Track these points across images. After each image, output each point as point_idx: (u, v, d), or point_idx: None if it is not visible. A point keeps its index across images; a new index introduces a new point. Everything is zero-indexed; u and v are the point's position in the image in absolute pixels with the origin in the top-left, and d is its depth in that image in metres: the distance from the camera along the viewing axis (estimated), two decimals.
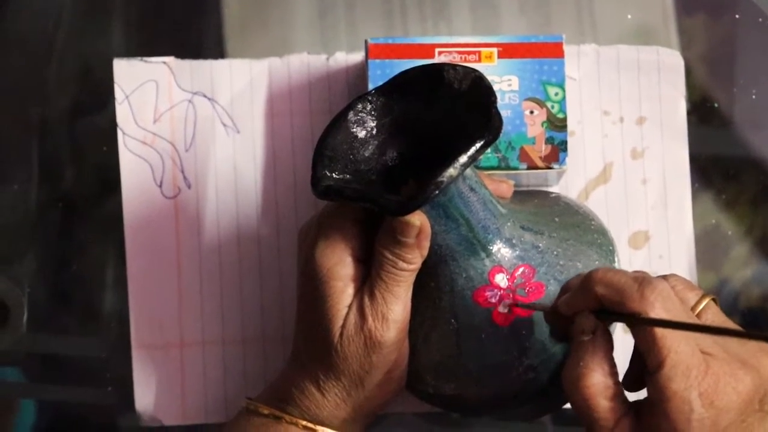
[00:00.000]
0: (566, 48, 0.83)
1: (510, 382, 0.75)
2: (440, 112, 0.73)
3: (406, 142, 0.74)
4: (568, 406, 0.78)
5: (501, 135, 0.81)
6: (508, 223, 0.75)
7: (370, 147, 0.74)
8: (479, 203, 0.73)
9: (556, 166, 0.82)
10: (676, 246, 0.89)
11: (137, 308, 0.88)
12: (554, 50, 0.83)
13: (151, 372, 0.88)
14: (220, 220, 0.89)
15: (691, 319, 0.68)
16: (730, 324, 0.70)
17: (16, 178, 0.90)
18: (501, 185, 0.79)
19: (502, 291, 0.74)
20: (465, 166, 0.68)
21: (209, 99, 0.89)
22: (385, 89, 0.75)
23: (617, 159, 0.90)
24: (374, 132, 0.74)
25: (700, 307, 0.70)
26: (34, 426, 0.91)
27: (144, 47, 0.91)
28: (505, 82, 0.83)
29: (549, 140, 0.82)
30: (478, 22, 0.94)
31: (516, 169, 0.82)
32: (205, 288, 0.88)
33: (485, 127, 0.69)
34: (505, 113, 0.82)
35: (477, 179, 0.73)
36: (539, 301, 0.74)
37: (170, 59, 0.89)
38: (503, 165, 0.82)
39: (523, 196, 0.81)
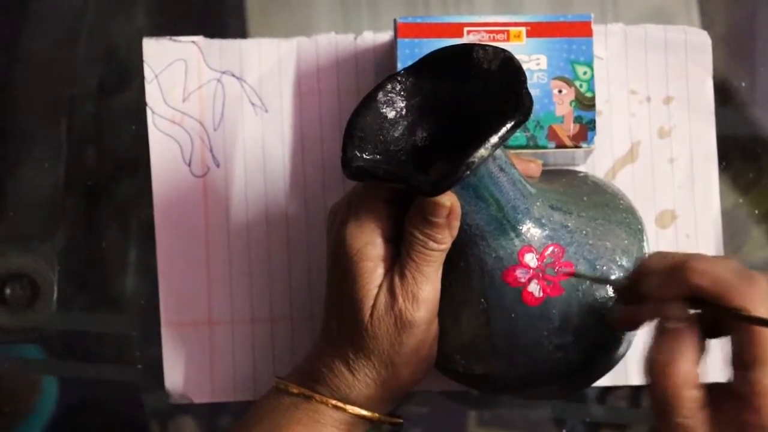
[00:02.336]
0: (594, 27, 0.83)
1: (540, 362, 0.75)
2: (470, 93, 0.73)
3: (436, 122, 0.74)
4: (595, 384, 0.78)
5: None
6: (537, 203, 0.75)
7: (399, 127, 0.74)
8: (509, 183, 0.73)
9: (584, 145, 0.82)
10: (703, 225, 0.89)
11: (166, 287, 0.88)
12: (583, 29, 0.83)
13: (180, 350, 0.88)
14: (249, 199, 0.89)
15: None
16: None
17: (45, 156, 0.91)
18: (529, 165, 0.79)
19: (531, 270, 0.74)
20: (496, 146, 0.68)
21: (238, 78, 0.89)
22: (414, 69, 0.75)
23: (644, 138, 0.90)
24: (404, 112, 0.74)
25: None
26: (56, 404, 0.91)
27: (167, 27, 0.91)
28: (534, 61, 0.83)
29: (577, 119, 0.82)
30: (500, 4, 0.94)
31: (544, 148, 0.82)
32: (234, 266, 0.89)
33: (516, 107, 0.69)
34: (533, 92, 0.82)
35: (506, 159, 0.73)
36: (564, 283, 0.74)
37: (199, 38, 0.89)
38: (531, 144, 0.82)
39: (550, 175, 0.82)
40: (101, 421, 0.92)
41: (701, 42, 0.90)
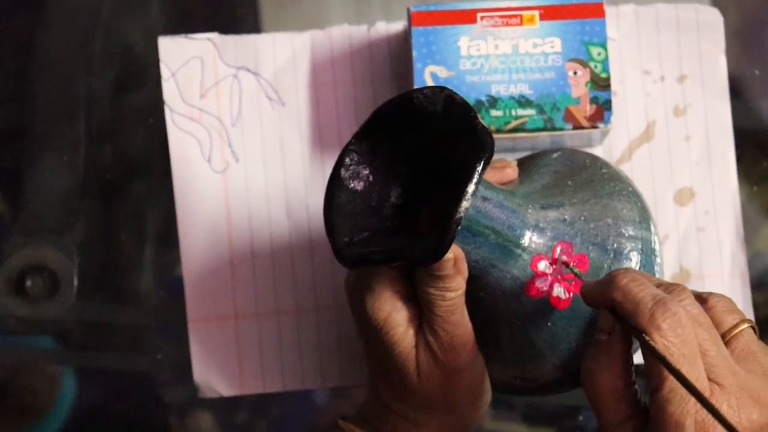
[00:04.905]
0: (605, 9, 0.83)
1: None
2: (427, 136, 0.72)
3: (405, 174, 0.74)
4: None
5: (546, 97, 0.83)
6: (529, 210, 0.75)
7: (373, 196, 0.74)
8: (496, 208, 0.73)
9: (601, 125, 0.83)
10: (722, 201, 0.90)
11: (191, 282, 0.89)
12: (595, 11, 0.83)
13: (208, 345, 0.89)
14: (269, 193, 0.90)
15: (711, 350, 0.66)
16: (760, 355, 0.69)
17: (64, 150, 0.91)
18: (505, 171, 0.79)
19: (549, 277, 0.74)
20: (474, 193, 0.68)
21: (253, 73, 0.90)
22: (364, 132, 0.74)
23: (660, 117, 0.90)
24: (371, 179, 0.74)
25: (735, 331, 0.69)
26: (75, 399, 0.92)
27: (181, 23, 0.92)
28: (548, 44, 0.83)
29: (593, 100, 0.83)
30: None
31: (561, 129, 0.83)
32: (257, 260, 0.89)
33: (479, 146, 0.69)
34: (548, 75, 0.83)
35: (485, 186, 0.73)
36: (584, 275, 0.74)
37: (214, 35, 0.90)
38: (549, 126, 0.83)
39: (526, 166, 0.81)
40: (120, 415, 0.92)
41: (713, 20, 0.90)
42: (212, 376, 0.89)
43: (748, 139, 0.91)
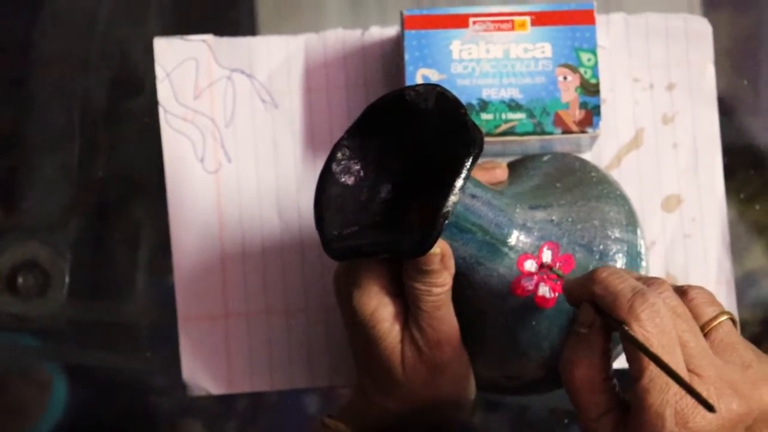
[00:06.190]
0: (596, 17, 0.85)
1: None
2: (418, 133, 0.73)
3: (396, 170, 0.75)
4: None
5: (536, 101, 0.84)
6: (517, 210, 0.75)
7: (364, 191, 0.75)
8: (484, 206, 0.74)
9: (590, 130, 0.84)
10: (708, 208, 0.91)
11: (182, 281, 0.90)
12: (586, 17, 0.84)
13: (197, 343, 0.89)
14: (261, 193, 0.90)
15: (690, 341, 0.67)
16: (739, 346, 0.69)
17: (59, 150, 0.92)
18: (495, 171, 0.80)
19: (535, 276, 0.75)
20: (462, 188, 0.69)
21: (247, 75, 0.91)
22: (356, 129, 0.75)
23: (648, 125, 0.91)
24: (362, 174, 0.75)
25: (714, 323, 0.69)
26: (65, 404, 0.92)
27: (179, 28, 0.93)
28: (539, 49, 0.84)
29: (582, 105, 0.84)
30: None
31: (551, 134, 0.84)
32: (248, 260, 0.90)
33: (469, 141, 0.70)
34: (539, 80, 0.84)
35: (474, 184, 0.74)
36: (569, 275, 0.75)
37: (209, 37, 0.91)
38: (538, 130, 0.84)
39: (517, 168, 0.82)
40: (110, 419, 0.92)
41: (702, 29, 0.91)
42: (201, 373, 0.89)
43: (736, 160, 0.92)
